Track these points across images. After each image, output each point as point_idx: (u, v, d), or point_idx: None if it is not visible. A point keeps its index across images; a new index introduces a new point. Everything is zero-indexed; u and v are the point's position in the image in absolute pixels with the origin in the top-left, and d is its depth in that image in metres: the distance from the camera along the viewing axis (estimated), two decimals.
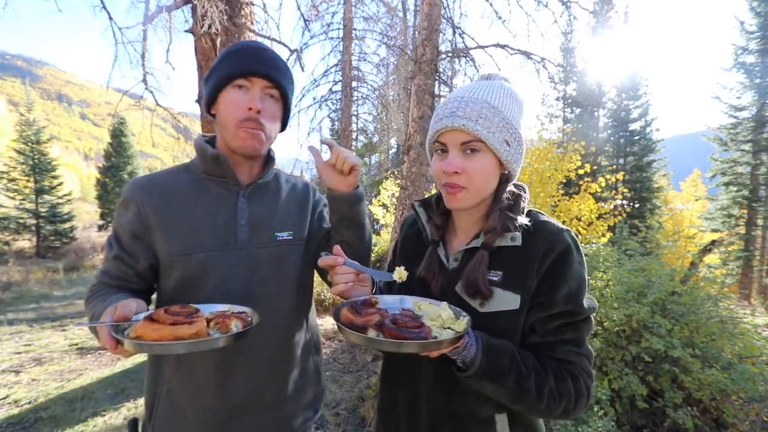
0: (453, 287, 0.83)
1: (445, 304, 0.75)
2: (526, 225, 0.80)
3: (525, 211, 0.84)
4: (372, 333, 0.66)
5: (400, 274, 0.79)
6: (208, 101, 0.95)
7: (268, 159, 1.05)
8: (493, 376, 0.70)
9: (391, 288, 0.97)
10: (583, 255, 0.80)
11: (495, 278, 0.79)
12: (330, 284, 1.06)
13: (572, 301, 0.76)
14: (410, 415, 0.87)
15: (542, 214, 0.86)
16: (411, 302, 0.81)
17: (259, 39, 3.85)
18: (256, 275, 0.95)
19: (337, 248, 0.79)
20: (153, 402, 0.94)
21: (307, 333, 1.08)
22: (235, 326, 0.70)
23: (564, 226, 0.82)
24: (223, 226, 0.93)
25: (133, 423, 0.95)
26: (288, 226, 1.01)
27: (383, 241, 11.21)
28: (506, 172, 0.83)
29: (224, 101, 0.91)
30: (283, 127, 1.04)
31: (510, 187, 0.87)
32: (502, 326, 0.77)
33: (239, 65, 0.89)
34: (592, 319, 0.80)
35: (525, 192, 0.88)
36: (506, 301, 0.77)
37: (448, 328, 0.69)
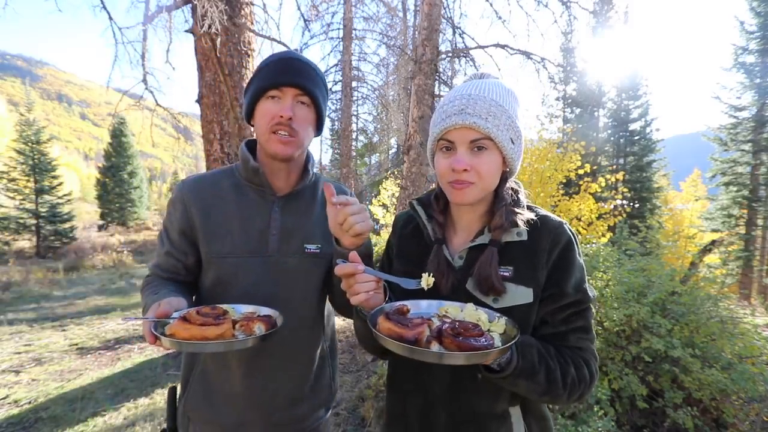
0: (464, 285, 0.82)
1: (471, 305, 0.75)
2: (533, 220, 0.82)
3: (525, 206, 0.86)
4: (435, 346, 0.63)
5: (427, 281, 0.76)
6: (247, 113, 1.02)
7: (306, 168, 1.08)
8: (528, 374, 0.71)
9: (394, 292, 0.91)
10: (579, 245, 0.84)
11: (506, 273, 0.79)
12: (331, 299, 1.07)
13: (580, 290, 0.79)
14: (423, 419, 0.86)
15: (538, 208, 0.88)
16: (435, 306, 0.79)
17: (259, 39, 3.85)
18: (282, 283, 1.00)
19: (354, 255, 0.75)
20: (188, 378, 1.03)
21: (325, 339, 1.13)
22: (258, 329, 0.75)
23: (561, 219, 0.85)
24: (256, 234, 0.99)
25: (172, 390, 1.05)
26: (317, 239, 1.04)
27: (383, 241, 11.22)
28: (508, 169, 0.84)
29: (259, 111, 0.97)
30: (319, 131, 1.07)
31: (510, 184, 0.88)
32: (516, 321, 0.76)
33: (270, 78, 0.95)
34: (593, 306, 0.84)
35: (520, 187, 0.91)
36: (520, 295, 0.78)
37: (489, 330, 0.69)
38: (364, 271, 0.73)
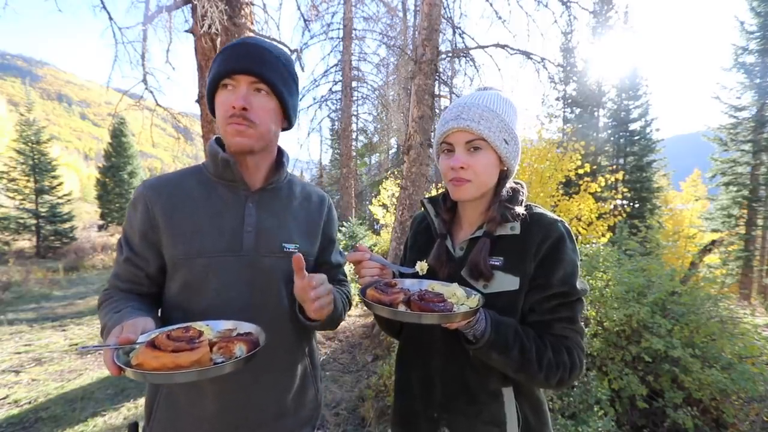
0: (459, 273, 0.92)
1: (455, 284, 0.84)
2: (523, 214, 0.90)
3: (523, 204, 0.94)
4: (401, 308, 0.74)
5: (421, 266, 0.88)
6: (209, 106, 0.95)
7: (280, 163, 1.01)
8: (499, 348, 0.79)
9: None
10: (575, 243, 0.90)
11: (497, 263, 0.88)
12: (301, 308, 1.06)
13: (566, 283, 0.85)
14: (424, 390, 0.97)
15: (538, 207, 0.95)
16: (426, 284, 0.89)
17: None
18: (258, 284, 0.92)
19: (362, 246, 0.88)
20: (153, 404, 0.92)
21: (305, 347, 1.05)
22: (239, 350, 0.67)
23: (558, 217, 0.92)
24: (229, 231, 0.91)
25: (133, 426, 0.93)
26: (295, 239, 0.99)
27: (383, 241, 11.21)
28: (505, 168, 0.93)
29: (217, 103, 0.91)
30: (290, 124, 1.01)
31: (510, 184, 0.97)
32: (503, 305, 0.86)
33: (223, 65, 0.87)
34: (584, 300, 0.90)
35: (523, 187, 0.99)
36: (507, 282, 0.87)
37: (463, 304, 0.78)
38: (370, 258, 0.87)
